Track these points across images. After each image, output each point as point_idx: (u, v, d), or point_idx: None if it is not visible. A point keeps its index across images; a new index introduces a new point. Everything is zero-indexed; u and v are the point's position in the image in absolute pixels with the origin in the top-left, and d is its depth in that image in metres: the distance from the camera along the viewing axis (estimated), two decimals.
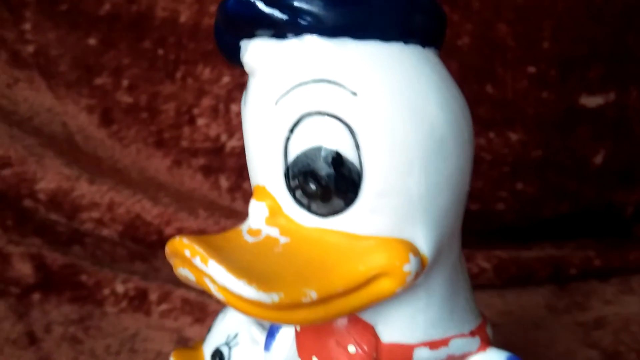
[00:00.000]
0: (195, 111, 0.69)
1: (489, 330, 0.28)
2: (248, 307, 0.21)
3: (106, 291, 0.60)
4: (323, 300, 0.22)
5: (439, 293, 0.26)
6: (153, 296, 0.60)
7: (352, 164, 0.23)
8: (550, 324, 0.60)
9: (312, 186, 0.23)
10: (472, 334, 0.27)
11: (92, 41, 0.68)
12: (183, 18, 0.68)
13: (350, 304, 0.23)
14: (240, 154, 0.69)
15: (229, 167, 0.70)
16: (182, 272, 0.23)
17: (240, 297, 0.21)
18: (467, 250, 0.64)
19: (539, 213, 0.72)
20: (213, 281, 0.22)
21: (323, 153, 0.23)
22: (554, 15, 0.66)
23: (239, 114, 0.27)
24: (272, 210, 0.24)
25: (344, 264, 0.23)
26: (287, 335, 0.31)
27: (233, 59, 0.26)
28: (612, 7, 0.66)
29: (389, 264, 0.23)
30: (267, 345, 0.31)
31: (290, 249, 0.23)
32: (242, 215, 0.26)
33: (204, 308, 0.58)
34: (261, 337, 0.35)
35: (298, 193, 0.24)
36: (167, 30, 0.68)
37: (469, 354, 0.27)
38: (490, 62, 0.67)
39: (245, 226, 0.25)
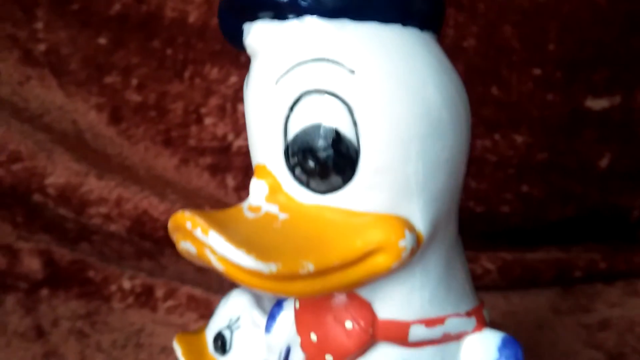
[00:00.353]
0: (203, 110, 0.70)
1: (485, 314, 0.28)
2: (246, 277, 0.22)
3: (113, 287, 0.61)
4: (320, 273, 0.22)
5: (435, 272, 0.26)
6: (159, 292, 0.60)
7: (349, 141, 0.23)
8: (554, 325, 0.59)
9: (311, 163, 0.24)
10: (469, 314, 0.27)
11: (102, 40, 0.69)
12: (192, 18, 0.68)
13: (347, 279, 0.23)
14: (247, 153, 0.69)
15: (236, 166, 0.71)
16: (184, 245, 0.24)
17: (239, 267, 0.22)
18: (472, 252, 0.64)
19: (544, 216, 0.71)
20: (213, 252, 0.22)
21: (322, 131, 0.23)
22: (559, 17, 0.66)
23: None
24: (272, 188, 0.25)
25: (341, 239, 0.23)
26: (287, 318, 0.31)
27: (237, 43, 0.27)
28: (617, 10, 0.66)
29: (385, 240, 0.23)
30: (268, 328, 0.32)
31: (289, 225, 0.24)
32: None
33: (209, 305, 0.59)
34: (262, 320, 0.35)
35: (297, 170, 0.24)
36: (176, 30, 0.69)
37: (465, 333, 0.27)
38: (495, 64, 0.68)
39: (246, 203, 0.25)
